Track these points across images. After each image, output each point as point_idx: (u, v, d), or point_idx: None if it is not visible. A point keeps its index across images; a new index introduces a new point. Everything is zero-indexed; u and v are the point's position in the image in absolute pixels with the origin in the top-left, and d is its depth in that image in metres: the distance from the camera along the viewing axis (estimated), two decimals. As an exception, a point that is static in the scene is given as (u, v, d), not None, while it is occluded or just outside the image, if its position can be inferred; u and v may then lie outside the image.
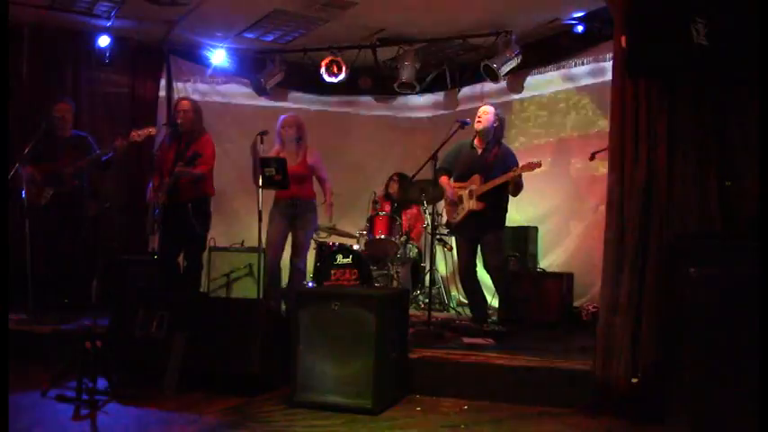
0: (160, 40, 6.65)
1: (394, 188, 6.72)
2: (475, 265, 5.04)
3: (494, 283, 5.06)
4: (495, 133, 4.98)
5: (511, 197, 4.95)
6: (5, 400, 3.02)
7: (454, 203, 5.01)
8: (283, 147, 5.26)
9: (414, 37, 6.45)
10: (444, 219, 5.22)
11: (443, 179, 5.12)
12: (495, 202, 4.87)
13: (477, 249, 5.00)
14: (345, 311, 3.58)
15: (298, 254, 5.32)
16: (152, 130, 5.19)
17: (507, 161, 4.87)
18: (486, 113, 4.96)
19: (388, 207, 6.54)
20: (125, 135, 5.18)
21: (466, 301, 6.84)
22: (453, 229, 5.13)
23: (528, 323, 5.09)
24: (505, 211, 5.00)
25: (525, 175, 4.77)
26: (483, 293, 5.15)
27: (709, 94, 3.42)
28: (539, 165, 4.71)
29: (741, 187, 3.29)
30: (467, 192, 4.91)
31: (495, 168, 4.83)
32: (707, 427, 2.84)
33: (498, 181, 4.77)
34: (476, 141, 5.04)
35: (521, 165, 4.76)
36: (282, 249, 5.33)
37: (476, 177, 4.89)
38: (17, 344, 4.23)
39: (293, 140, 5.28)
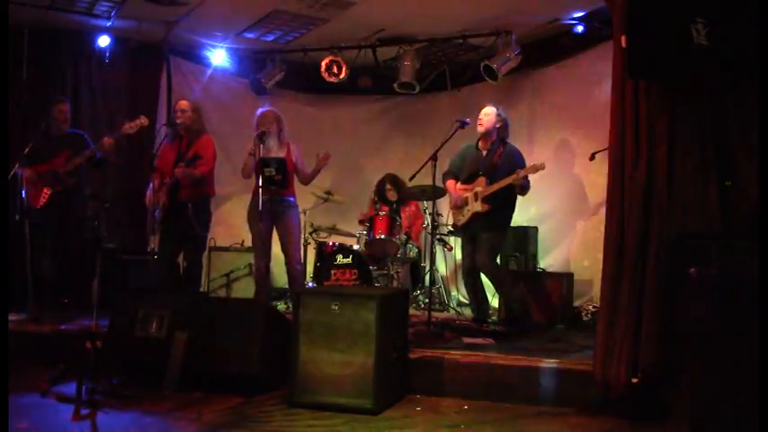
0: (160, 40, 6.65)
1: (394, 197, 6.64)
2: (477, 273, 5.06)
3: (489, 281, 5.08)
4: (499, 133, 4.99)
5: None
6: (5, 400, 3.02)
7: (460, 206, 5.04)
8: (261, 143, 5.07)
9: (414, 37, 6.45)
10: (449, 220, 5.25)
11: (449, 183, 5.15)
12: (501, 204, 4.88)
13: None
14: (345, 311, 3.59)
15: (291, 255, 5.31)
16: (143, 121, 5.18)
17: (513, 160, 4.87)
18: (487, 115, 4.98)
19: (386, 208, 6.52)
20: (112, 134, 5.20)
21: (466, 301, 6.84)
22: (459, 230, 5.15)
23: (528, 323, 5.08)
24: (511, 212, 5.00)
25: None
26: (485, 293, 5.17)
27: (709, 94, 3.42)
28: (542, 167, 4.72)
29: (741, 187, 3.29)
30: (472, 194, 4.93)
31: (501, 169, 4.84)
32: (707, 427, 2.84)
33: (502, 183, 4.77)
34: (480, 143, 5.06)
35: (526, 166, 4.76)
36: (271, 250, 5.33)
37: (481, 179, 4.91)
38: (17, 344, 4.23)
39: (274, 135, 5.24)
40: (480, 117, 4.99)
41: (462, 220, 5.01)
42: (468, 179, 5.01)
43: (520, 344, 4.42)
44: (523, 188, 4.82)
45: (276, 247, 5.42)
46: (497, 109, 5.02)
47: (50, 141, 5.27)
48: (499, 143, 4.97)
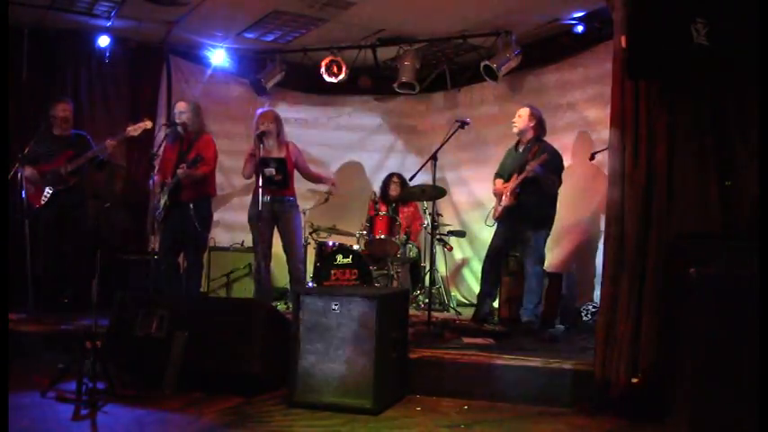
0: (160, 40, 6.65)
1: (396, 191, 6.69)
2: (502, 257, 5.23)
3: (527, 279, 5.16)
4: (535, 132, 5.13)
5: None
6: (5, 400, 3.02)
7: (500, 201, 5.20)
8: (261, 143, 5.12)
9: (414, 37, 6.45)
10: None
11: (497, 182, 5.35)
12: (532, 200, 4.98)
13: (509, 245, 5.22)
14: (345, 311, 3.59)
15: (293, 254, 5.33)
16: (147, 124, 5.20)
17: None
18: (520, 116, 5.18)
19: (384, 208, 6.52)
20: (115, 135, 5.20)
21: (466, 301, 6.85)
22: (496, 220, 5.28)
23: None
24: (545, 209, 5.09)
25: None
26: (496, 287, 5.29)
27: (709, 93, 3.42)
28: (544, 159, 4.86)
29: (741, 187, 3.29)
30: (507, 190, 5.09)
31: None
32: (707, 427, 2.84)
33: (519, 178, 4.92)
34: (518, 143, 5.26)
35: (558, 163, 5.00)
36: (271, 250, 5.35)
37: (515, 176, 5.06)
38: (17, 344, 4.24)
39: (273, 136, 5.27)
40: (514, 119, 5.20)
41: (495, 214, 5.20)
42: (508, 178, 5.17)
43: (520, 344, 4.42)
44: (540, 183, 4.93)
45: (277, 247, 5.43)
46: (531, 109, 5.20)
47: (53, 141, 5.27)
48: (535, 142, 5.11)
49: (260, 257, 5.26)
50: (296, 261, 5.37)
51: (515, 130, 5.19)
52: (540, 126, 5.15)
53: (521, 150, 5.18)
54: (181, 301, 4.27)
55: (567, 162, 6.25)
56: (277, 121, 5.34)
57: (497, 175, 5.38)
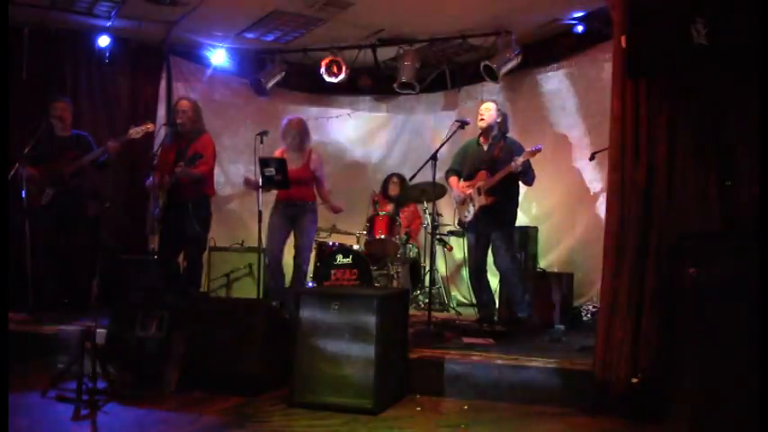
0: (160, 40, 6.64)
1: (395, 191, 6.71)
2: (485, 264, 5.09)
3: (503, 283, 5.07)
4: (500, 128, 5.05)
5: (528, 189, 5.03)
6: (5, 400, 3.02)
7: (463, 203, 5.06)
8: (287, 148, 5.32)
9: (414, 37, 6.45)
10: (449, 220, 5.25)
11: (452, 180, 5.20)
12: (505, 197, 4.91)
13: (488, 247, 5.05)
14: (345, 311, 3.59)
15: (300, 255, 5.34)
16: (150, 126, 5.20)
17: (514, 152, 4.90)
18: (488, 110, 5.04)
19: (388, 207, 6.53)
20: (117, 136, 5.21)
21: (466, 301, 6.85)
22: (465, 227, 5.17)
23: (529, 323, 5.09)
24: (516, 206, 5.05)
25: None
26: (491, 293, 5.19)
27: (709, 93, 3.42)
28: (539, 150, 4.75)
29: (741, 187, 3.29)
30: (475, 189, 4.97)
31: (502, 162, 4.88)
32: (707, 427, 2.84)
33: (502, 173, 4.80)
34: (481, 139, 5.12)
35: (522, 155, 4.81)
36: (283, 250, 5.35)
37: (482, 173, 4.95)
38: (17, 344, 4.23)
39: (296, 143, 5.32)
40: (481, 112, 5.05)
41: (468, 216, 5.03)
42: (470, 175, 5.05)
43: (520, 344, 4.42)
44: (526, 176, 4.87)
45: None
46: (497, 104, 5.11)
47: (55, 142, 5.27)
48: (500, 137, 5.04)
49: (270, 251, 5.26)
50: (301, 261, 5.37)
51: (484, 124, 5.02)
52: (504, 122, 5.09)
53: (485, 147, 5.05)
54: (181, 301, 4.27)
55: (567, 162, 6.28)
56: (299, 128, 5.37)
57: (453, 171, 5.22)
